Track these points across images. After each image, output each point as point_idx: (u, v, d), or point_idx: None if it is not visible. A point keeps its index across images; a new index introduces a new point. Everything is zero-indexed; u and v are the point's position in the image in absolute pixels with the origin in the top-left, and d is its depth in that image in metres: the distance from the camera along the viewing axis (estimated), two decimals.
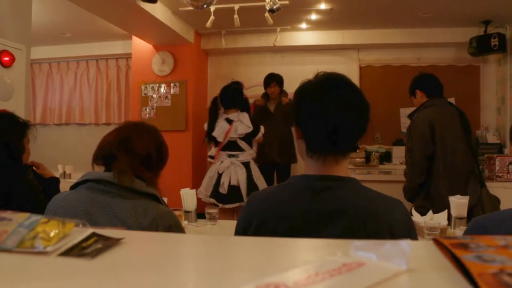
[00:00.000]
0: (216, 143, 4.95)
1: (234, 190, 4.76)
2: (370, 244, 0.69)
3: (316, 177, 1.43)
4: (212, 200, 4.82)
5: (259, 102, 6.00)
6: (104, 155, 1.79)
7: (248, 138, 4.92)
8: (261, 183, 4.91)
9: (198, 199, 3.53)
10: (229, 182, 4.77)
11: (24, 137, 2.71)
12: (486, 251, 0.65)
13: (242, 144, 4.89)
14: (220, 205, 4.75)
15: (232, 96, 4.98)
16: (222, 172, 4.83)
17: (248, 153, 4.93)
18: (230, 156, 4.88)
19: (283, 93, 6.01)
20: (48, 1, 5.33)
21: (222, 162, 4.88)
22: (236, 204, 4.75)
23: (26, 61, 3.69)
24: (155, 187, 1.81)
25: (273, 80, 5.96)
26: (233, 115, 4.89)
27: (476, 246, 0.67)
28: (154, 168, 1.85)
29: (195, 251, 0.83)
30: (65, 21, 6.43)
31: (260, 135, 4.98)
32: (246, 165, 4.88)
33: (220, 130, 4.87)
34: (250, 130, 4.86)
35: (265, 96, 6.08)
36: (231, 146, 4.89)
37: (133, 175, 1.72)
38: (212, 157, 5.05)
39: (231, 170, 4.80)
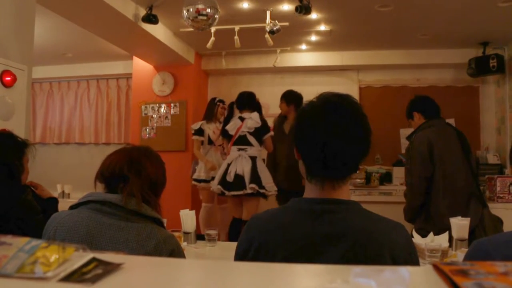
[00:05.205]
0: (229, 139, 5.36)
1: (238, 179, 5.11)
2: (370, 271, 0.68)
3: (317, 200, 1.42)
4: (219, 187, 5.18)
5: (275, 119, 5.91)
6: (113, 175, 1.78)
7: (257, 134, 5.25)
8: (264, 176, 5.14)
9: (197, 223, 3.51)
10: (235, 171, 5.13)
11: (23, 156, 2.69)
12: (486, 278, 0.65)
13: (251, 139, 5.25)
14: (226, 192, 5.14)
15: (246, 99, 5.41)
16: (231, 163, 5.21)
17: (256, 149, 5.27)
18: (239, 149, 5.26)
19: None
20: (50, 21, 5.36)
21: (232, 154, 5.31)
22: (240, 192, 5.07)
23: (28, 81, 3.69)
24: (159, 211, 1.82)
25: (282, 97, 5.80)
26: (245, 114, 5.34)
27: (476, 273, 0.67)
28: (159, 193, 1.88)
29: (195, 277, 0.83)
30: (67, 41, 6.48)
31: (268, 135, 5.32)
32: (253, 158, 5.20)
33: (233, 126, 5.34)
34: (259, 125, 5.23)
35: (282, 117, 5.85)
36: (241, 141, 5.28)
37: (141, 199, 1.74)
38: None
39: (238, 161, 5.20)
